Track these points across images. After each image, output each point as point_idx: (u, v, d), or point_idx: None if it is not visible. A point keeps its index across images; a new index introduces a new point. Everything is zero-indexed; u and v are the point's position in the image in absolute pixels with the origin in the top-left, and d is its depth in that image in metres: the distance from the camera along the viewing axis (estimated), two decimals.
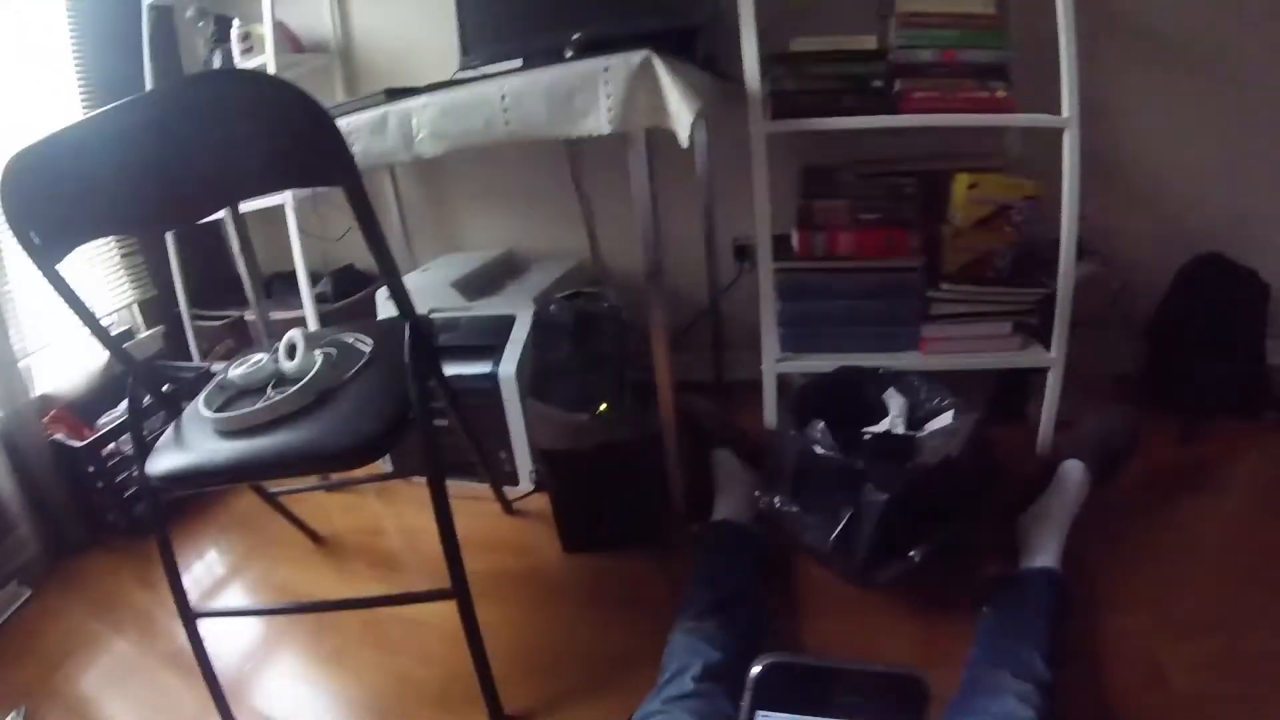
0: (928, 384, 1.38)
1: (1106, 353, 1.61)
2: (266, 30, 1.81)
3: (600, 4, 1.54)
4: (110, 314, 2.08)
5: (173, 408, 1.13)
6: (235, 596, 1.49)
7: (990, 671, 0.96)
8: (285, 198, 1.81)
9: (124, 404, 1.80)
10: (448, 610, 1.00)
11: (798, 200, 1.56)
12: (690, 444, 1.44)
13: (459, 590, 0.99)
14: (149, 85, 2.04)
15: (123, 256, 2.09)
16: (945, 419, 1.30)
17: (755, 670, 0.55)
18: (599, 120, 1.08)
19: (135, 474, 1.22)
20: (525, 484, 1.62)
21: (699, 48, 1.49)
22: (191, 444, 1.00)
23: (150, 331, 2.18)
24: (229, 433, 0.99)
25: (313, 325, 1.86)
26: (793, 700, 0.54)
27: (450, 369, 1.34)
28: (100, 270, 2.03)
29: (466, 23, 1.71)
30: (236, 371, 1.08)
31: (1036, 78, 1.37)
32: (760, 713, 0.54)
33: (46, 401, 1.77)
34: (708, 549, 1.27)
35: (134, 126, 0.87)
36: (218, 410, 1.02)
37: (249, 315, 2.12)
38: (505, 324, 1.60)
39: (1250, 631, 1.07)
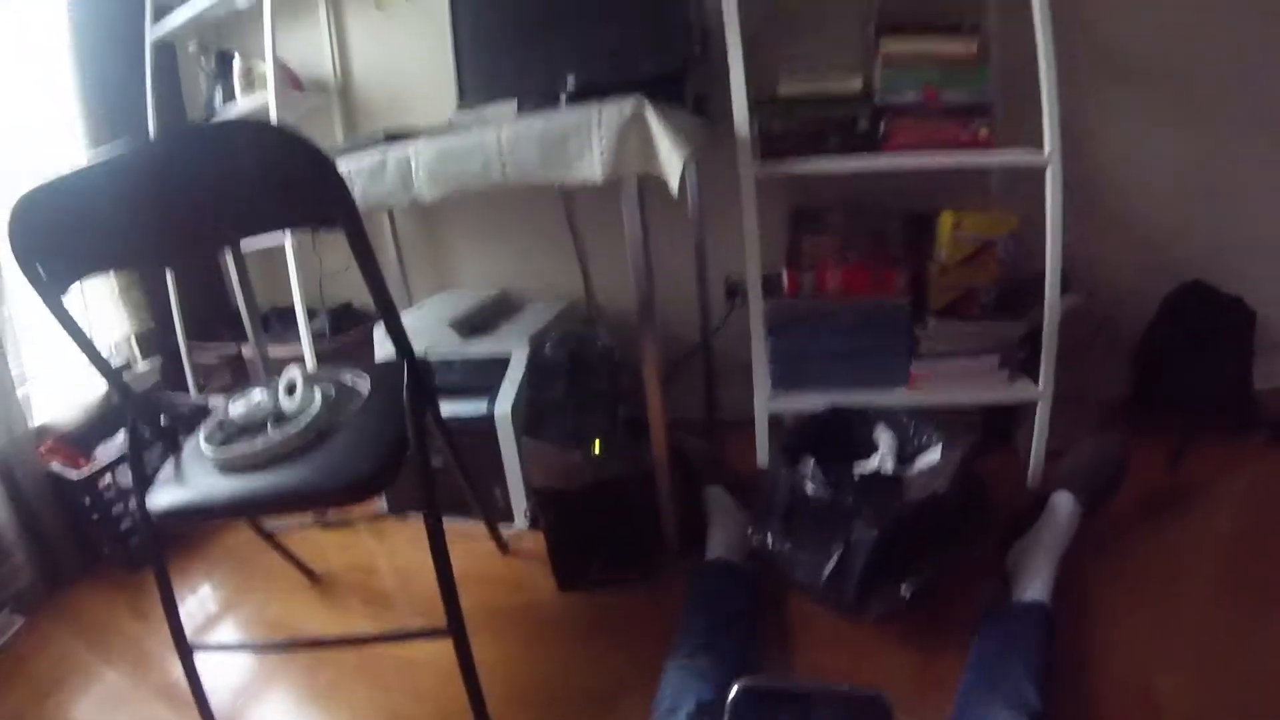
0: (916, 420, 1.40)
1: (1093, 381, 1.62)
2: (268, 68, 1.84)
3: (591, 47, 1.58)
4: (108, 346, 2.09)
5: (170, 441, 1.14)
6: (228, 631, 1.49)
7: (983, 699, 0.96)
8: (285, 235, 1.83)
9: (120, 435, 1.81)
10: (441, 647, 1.00)
11: (787, 239, 1.59)
12: (682, 480, 1.46)
13: (455, 629, 1.00)
14: (151, 120, 2.09)
15: (121, 290, 2.10)
16: (934, 454, 1.32)
17: (732, 694, 0.57)
18: (592, 168, 1.11)
19: (134, 507, 1.23)
20: (520, 521, 1.63)
21: (689, 89, 1.53)
22: (192, 479, 1.02)
23: (147, 363, 2.19)
24: (229, 469, 1.01)
25: (310, 361, 1.87)
26: None
27: (447, 408, 1.36)
28: (99, 301, 2.04)
29: (463, 66, 1.74)
30: (236, 408, 1.10)
31: (1018, 110, 1.41)
32: None
33: (43, 431, 1.78)
34: (701, 586, 1.28)
35: (142, 173, 0.89)
36: (219, 446, 1.04)
37: (246, 351, 2.13)
38: (501, 363, 1.61)
39: (1241, 658, 1.07)
